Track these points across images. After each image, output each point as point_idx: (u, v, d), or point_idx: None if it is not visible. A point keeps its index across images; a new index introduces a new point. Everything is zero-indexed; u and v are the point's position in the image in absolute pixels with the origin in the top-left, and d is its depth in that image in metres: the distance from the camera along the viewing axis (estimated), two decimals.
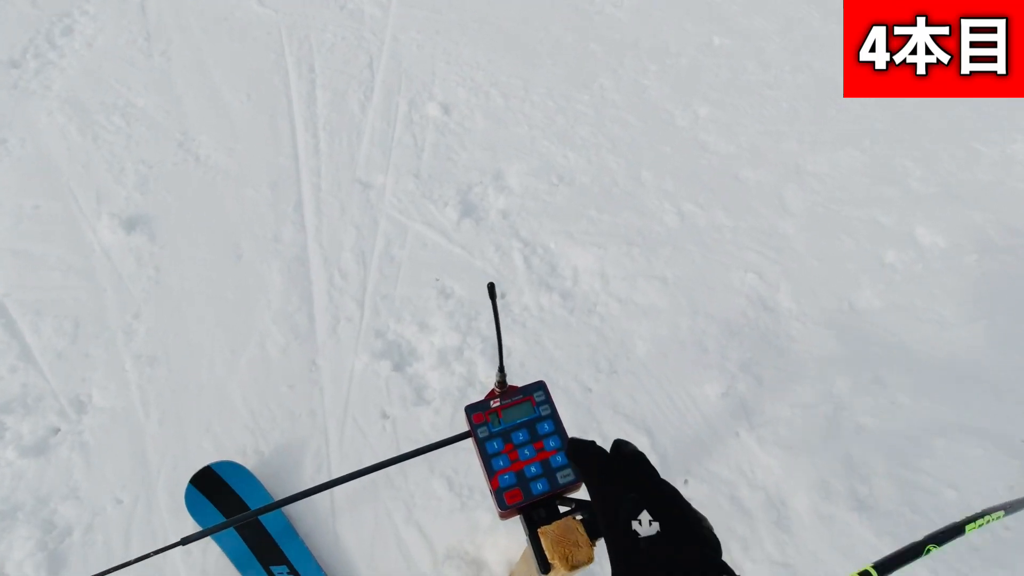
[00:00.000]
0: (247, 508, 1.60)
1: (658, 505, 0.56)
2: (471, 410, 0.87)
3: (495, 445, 0.84)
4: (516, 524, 1.51)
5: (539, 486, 0.81)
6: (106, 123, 2.51)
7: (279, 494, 1.63)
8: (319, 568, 1.52)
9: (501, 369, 0.88)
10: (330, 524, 1.58)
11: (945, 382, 1.92)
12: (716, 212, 2.34)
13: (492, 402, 0.88)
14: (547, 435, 0.85)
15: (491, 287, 0.79)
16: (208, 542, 1.53)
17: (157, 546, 1.53)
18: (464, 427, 0.88)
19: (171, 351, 1.89)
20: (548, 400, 0.88)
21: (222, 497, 1.60)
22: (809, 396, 1.87)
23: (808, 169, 2.52)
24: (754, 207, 2.37)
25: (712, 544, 0.55)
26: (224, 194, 2.30)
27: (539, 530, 0.76)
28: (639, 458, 0.63)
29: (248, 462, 1.67)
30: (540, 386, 0.89)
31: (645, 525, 0.55)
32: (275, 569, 1.53)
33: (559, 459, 0.83)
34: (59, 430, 1.70)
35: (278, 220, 2.22)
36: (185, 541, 0.90)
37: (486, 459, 0.83)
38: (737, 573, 0.53)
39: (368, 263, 2.12)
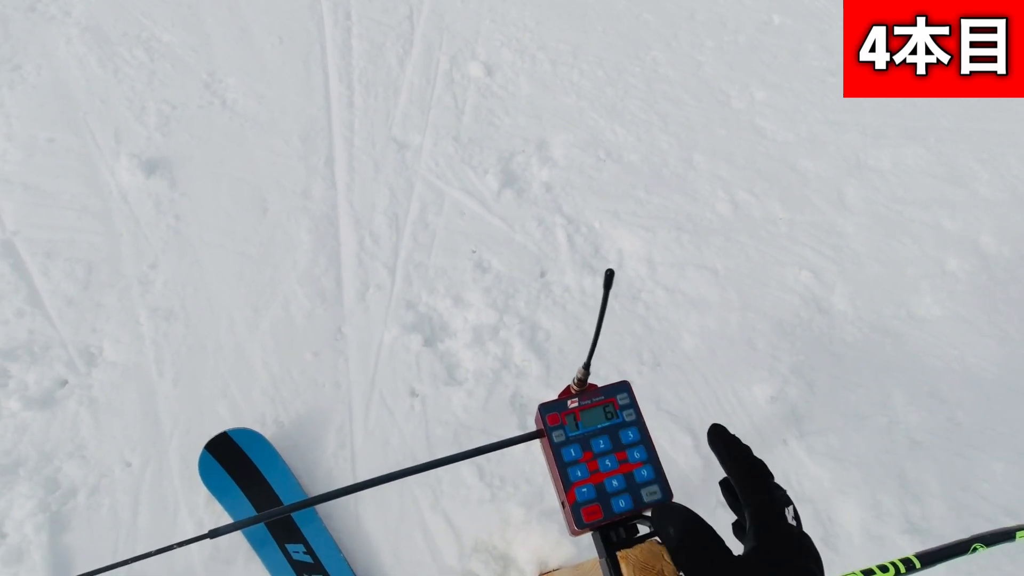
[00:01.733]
0: (264, 480, 1.50)
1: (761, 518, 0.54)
2: (546, 409, 0.75)
3: (572, 452, 0.73)
4: (550, 521, 1.39)
5: (621, 503, 0.70)
6: (128, 56, 2.35)
7: (298, 468, 1.52)
8: (337, 549, 1.43)
9: (587, 365, 0.76)
10: (352, 506, 1.47)
11: (1007, 402, 1.81)
12: (772, 203, 2.19)
13: (569, 402, 0.76)
14: (631, 444, 0.73)
15: (609, 274, 0.66)
16: (221, 516, 1.44)
17: (167, 515, 1.43)
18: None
19: (189, 306, 1.77)
20: (633, 404, 0.76)
21: (238, 467, 1.50)
22: (863, 406, 1.76)
23: (870, 164, 2.37)
24: (812, 201, 2.22)
25: (818, 562, 0.54)
26: (251, 142, 2.16)
27: (619, 554, 0.65)
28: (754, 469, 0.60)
29: (267, 431, 1.56)
30: (624, 387, 0.77)
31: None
32: (291, 547, 1.44)
33: (644, 473, 0.72)
34: (67, 382, 1.59)
35: (308, 175, 2.08)
36: (214, 533, 0.78)
37: (561, 468, 0.72)
38: None
39: (401, 228, 1.99)
